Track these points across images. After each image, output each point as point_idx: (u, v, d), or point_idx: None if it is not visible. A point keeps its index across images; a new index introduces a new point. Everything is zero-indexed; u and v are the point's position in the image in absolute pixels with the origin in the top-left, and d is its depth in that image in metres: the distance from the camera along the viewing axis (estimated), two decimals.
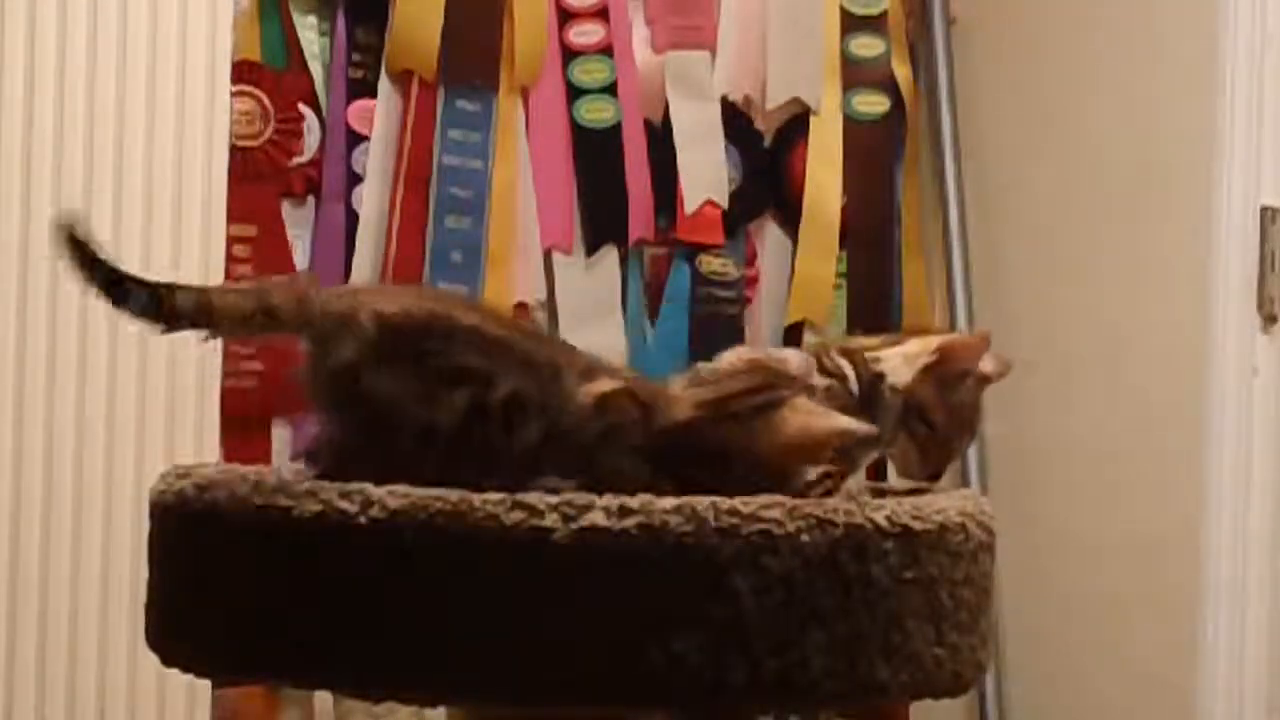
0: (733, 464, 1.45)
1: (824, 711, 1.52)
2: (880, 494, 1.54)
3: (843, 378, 1.59)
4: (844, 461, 1.51)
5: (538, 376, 1.45)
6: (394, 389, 1.43)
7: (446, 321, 1.46)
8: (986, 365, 1.66)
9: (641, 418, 1.46)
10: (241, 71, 2.51)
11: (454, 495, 1.35)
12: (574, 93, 2.81)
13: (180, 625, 1.50)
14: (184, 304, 1.44)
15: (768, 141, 2.99)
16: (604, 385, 1.47)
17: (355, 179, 2.64)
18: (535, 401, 1.44)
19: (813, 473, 1.46)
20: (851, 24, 3.03)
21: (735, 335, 2.91)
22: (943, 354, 1.60)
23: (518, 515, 1.33)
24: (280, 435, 2.58)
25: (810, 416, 1.47)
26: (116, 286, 1.43)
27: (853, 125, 3.02)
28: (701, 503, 1.35)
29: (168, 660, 1.51)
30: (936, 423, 1.60)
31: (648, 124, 2.87)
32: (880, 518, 1.39)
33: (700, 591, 1.34)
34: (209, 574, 1.46)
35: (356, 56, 2.64)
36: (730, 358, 1.56)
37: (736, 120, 2.95)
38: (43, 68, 2.29)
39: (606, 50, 2.83)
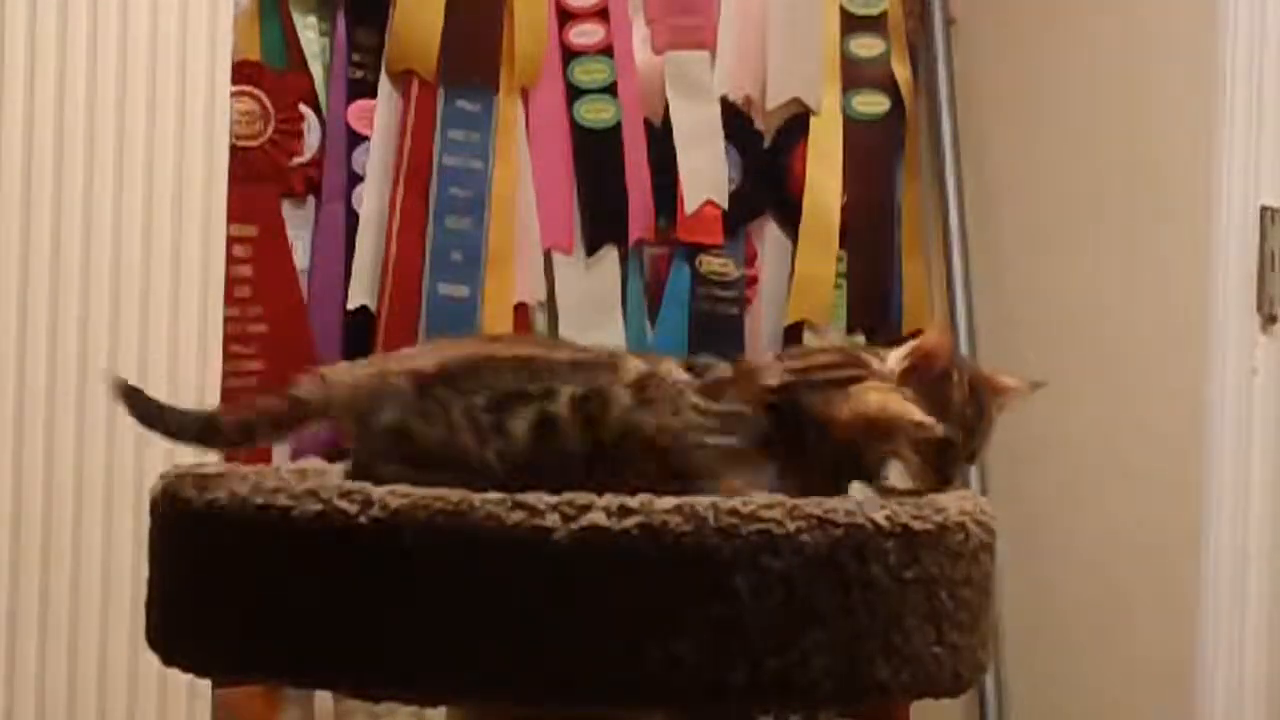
0: (813, 432, 1.49)
1: (824, 711, 1.52)
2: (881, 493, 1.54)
3: None
4: (930, 464, 1.55)
5: (598, 374, 1.50)
6: (446, 435, 1.46)
7: (483, 360, 1.50)
8: (1008, 381, 1.67)
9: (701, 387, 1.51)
10: (242, 72, 2.51)
11: (454, 495, 1.35)
12: (574, 93, 2.81)
13: (181, 624, 1.50)
14: (229, 429, 1.56)
15: (768, 141, 2.99)
16: (640, 365, 1.52)
17: (355, 179, 2.64)
18: (603, 394, 1.49)
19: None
20: (851, 24, 3.03)
21: (735, 335, 2.91)
22: (916, 356, 1.61)
23: (518, 515, 1.33)
24: None
25: (889, 397, 1.52)
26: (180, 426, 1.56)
27: (853, 125, 3.02)
28: (702, 503, 1.35)
29: (168, 659, 1.51)
30: None
31: (648, 124, 2.87)
32: (880, 518, 1.40)
33: (700, 591, 1.34)
34: (209, 573, 1.46)
35: (356, 56, 2.65)
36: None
37: (736, 120, 2.95)
38: (43, 68, 2.29)
39: (606, 50, 2.83)
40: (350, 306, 2.62)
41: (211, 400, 2.39)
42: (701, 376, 1.53)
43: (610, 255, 2.83)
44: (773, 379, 1.53)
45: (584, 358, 1.52)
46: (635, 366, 1.52)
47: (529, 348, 1.54)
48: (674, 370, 1.53)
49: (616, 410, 1.48)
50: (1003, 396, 1.65)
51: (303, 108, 2.60)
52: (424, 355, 1.53)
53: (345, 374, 1.52)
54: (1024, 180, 2.96)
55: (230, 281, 2.45)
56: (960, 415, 1.60)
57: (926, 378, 1.59)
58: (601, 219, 2.83)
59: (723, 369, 1.55)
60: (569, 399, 1.48)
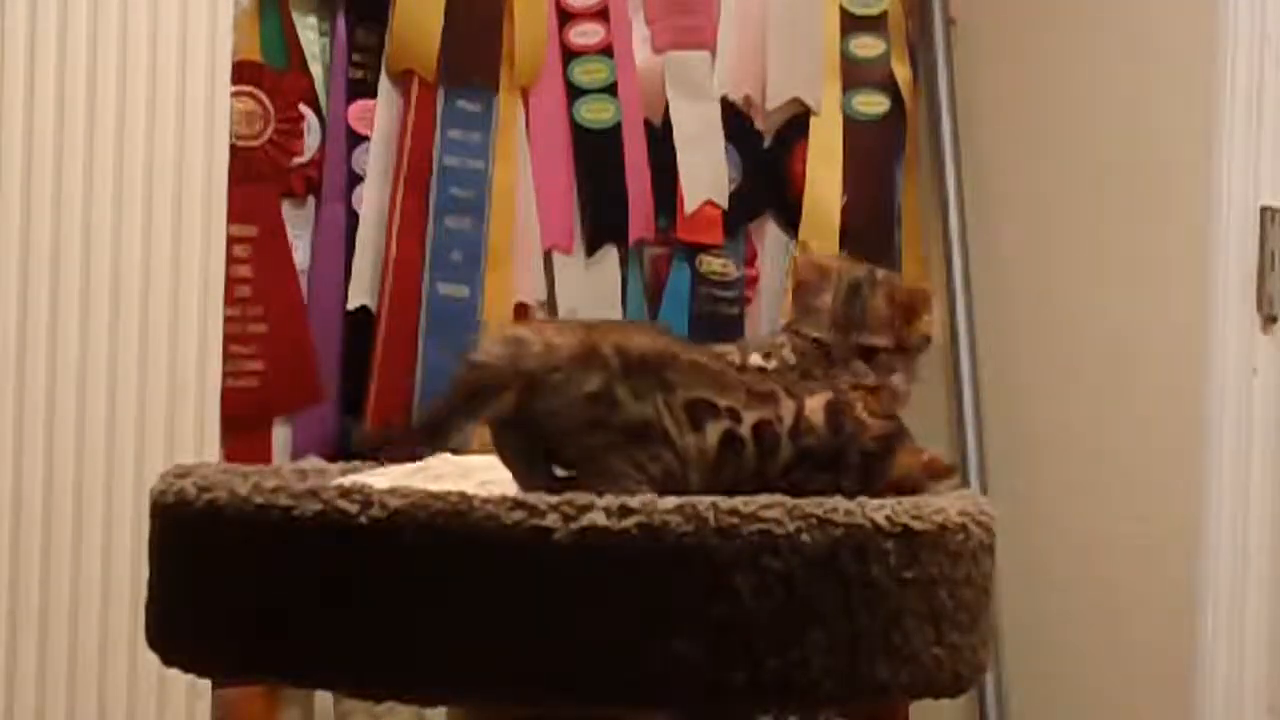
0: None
1: (824, 711, 1.52)
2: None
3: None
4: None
5: (766, 407, 1.51)
6: (654, 414, 1.46)
7: (678, 358, 1.50)
8: (892, 279, 1.70)
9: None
10: (242, 72, 2.51)
11: (454, 495, 1.35)
12: (574, 93, 2.81)
13: (180, 625, 1.50)
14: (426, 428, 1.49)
15: (768, 141, 3.00)
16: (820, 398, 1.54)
17: (355, 179, 2.64)
18: (774, 431, 1.50)
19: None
20: (851, 24, 3.03)
21: (735, 335, 2.91)
22: (792, 274, 1.68)
23: (518, 515, 1.33)
24: (280, 435, 2.58)
25: (913, 455, 1.57)
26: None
27: (853, 125, 3.02)
28: (702, 502, 1.35)
29: (168, 660, 1.51)
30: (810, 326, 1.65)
31: (648, 124, 2.87)
32: (880, 518, 1.40)
33: (700, 591, 1.34)
34: (209, 574, 1.46)
35: (357, 57, 2.65)
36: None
37: (736, 120, 2.95)
38: (43, 68, 2.29)
39: (606, 50, 2.83)
40: (350, 306, 2.62)
41: (212, 404, 2.39)
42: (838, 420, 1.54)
43: (610, 255, 2.84)
44: (877, 430, 1.55)
45: (756, 388, 1.53)
46: (788, 407, 1.52)
47: (710, 360, 1.54)
48: (816, 412, 1.53)
49: (783, 454, 1.51)
50: (890, 291, 1.68)
51: (303, 108, 2.60)
52: (615, 333, 1.50)
53: (537, 336, 1.47)
54: (1024, 180, 2.97)
55: (230, 281, 2.45)
56: (857, 325, 1.63)
57: (804, 292, 1.64)
58: (601, 219, 2.83)
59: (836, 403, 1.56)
60: (750, 426, 1.49)
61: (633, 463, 1.45)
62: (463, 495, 1.35)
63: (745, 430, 1.49)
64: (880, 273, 1.68)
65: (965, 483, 2.87)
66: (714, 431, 1.48)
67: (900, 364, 1.64)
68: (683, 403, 1.48)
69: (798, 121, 3.00)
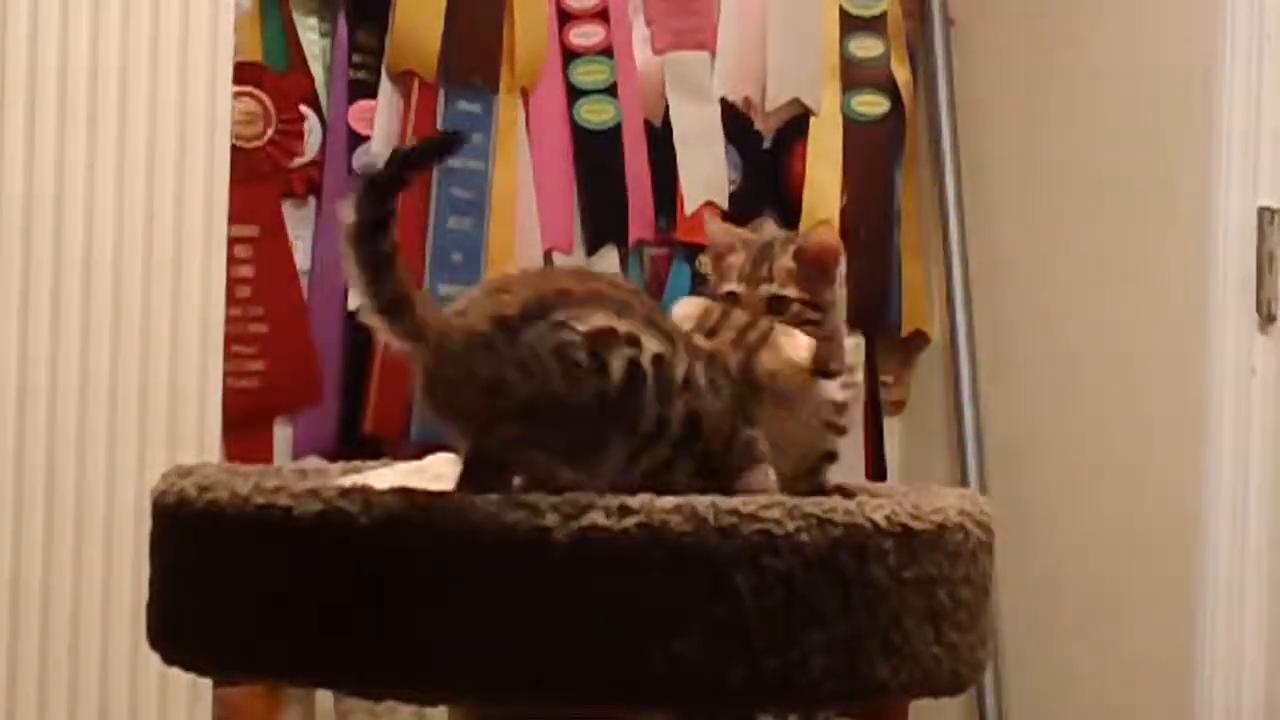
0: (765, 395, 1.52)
1: (824, 711, 1.52)
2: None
3: None
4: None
5: (663, 342, 1.46)
6: (541, 384, 1.41)
7: (567, 292, 1.44)
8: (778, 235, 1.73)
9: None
10: (243, 73, 2.51)
11: (454, 495, 1.36)
12: (574, 93, 2.81)
13: (181, 624, 1.50)
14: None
15: (767, 142, 3.00)
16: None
17: (356, 180, 2.64)
18: (670, 366, 1.45)
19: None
20: (851, 25, 3.04)
21: None
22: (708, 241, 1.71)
23: (518, 515, 1.34)
24: (281, 435, 2.59)
25: (793, 337, 1.56)
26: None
27: (852, 126, 3.02)
28: (701, 502, 1.35)
29: (169, 659, 1.51)
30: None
31: (648, 124, 2.88)
32: (880, 517, 1.40)
33: (700, 591, 1.34)
34: (210, 573, 1.46)
35: (357, 58, 2.65)
36: (687, 311, 1.59)
37: (736, 121, 2.96)
38: (45, 69, 2.29)
39: (607, 51, 2.83)
40: (350, 306, 2.62)
41: (213, 404, 2.39)
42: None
43: (610, 255, 2.84)
44: (734, 357, 1.53)
45: (657, 321, 1.47)
46: (684, 358, 1.48)
47: (607, 286, 1.47)
48: (697, 363, 1.50)
49: (677, 407, 1.46)
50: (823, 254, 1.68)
51: (304, 108, 2.61)
52: (509, 290, 1.44)
53: (450, 327, 1.43)
54: (1023, 181, 2.97)
55: (231, 281, 2.45)
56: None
57: (721, 263, 1.65)
58: (601, 219, 2.83)
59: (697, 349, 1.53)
60: (651, 356, 1.44)
61: (540, 446, 1.42)
62: (463, 495, 1.36)
63: (646, 361, 1.43)
64: (793, 235, 1.70)
65: (965, 483, 2.87)
66: (618, 363, 1.42)
67: (818, 317, 1.65)
68: (580, 340, 1.41)
69: (797, 122, 3.00)
